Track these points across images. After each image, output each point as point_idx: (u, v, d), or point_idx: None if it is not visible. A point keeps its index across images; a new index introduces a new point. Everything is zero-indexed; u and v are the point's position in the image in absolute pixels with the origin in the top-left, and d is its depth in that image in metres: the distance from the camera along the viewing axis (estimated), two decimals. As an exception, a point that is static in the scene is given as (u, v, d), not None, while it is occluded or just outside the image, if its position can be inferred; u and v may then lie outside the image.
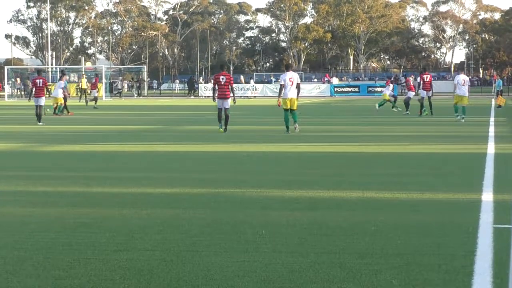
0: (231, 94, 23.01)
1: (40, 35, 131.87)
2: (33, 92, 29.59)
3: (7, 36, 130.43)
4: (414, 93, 35.12)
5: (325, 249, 6.98)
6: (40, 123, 28.16)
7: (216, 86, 22.97)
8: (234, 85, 25.92)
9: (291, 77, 22.30)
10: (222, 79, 22.81)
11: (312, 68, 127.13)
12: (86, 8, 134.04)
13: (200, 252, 6.88)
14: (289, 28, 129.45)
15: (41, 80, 29.37)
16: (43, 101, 29.09)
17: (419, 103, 32.68)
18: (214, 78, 24.27)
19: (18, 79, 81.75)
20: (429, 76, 33.19)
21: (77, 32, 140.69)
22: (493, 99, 53.28)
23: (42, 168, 14.31)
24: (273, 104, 25.92)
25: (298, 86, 22.47)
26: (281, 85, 22.40)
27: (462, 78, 29.00)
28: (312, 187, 10.91)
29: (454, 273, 6.09)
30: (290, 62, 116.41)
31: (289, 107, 22.24)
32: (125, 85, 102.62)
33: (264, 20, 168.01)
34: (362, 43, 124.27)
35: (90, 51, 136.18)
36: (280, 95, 22.35)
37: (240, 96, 66.28)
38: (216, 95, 22.93)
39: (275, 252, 6.85)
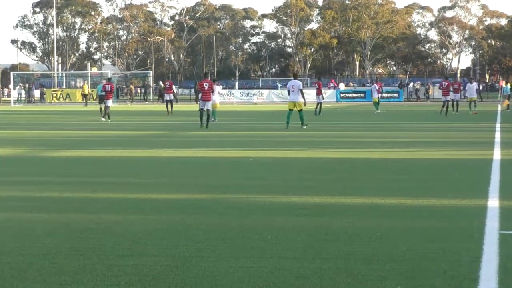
0: (212, 98, 29.52)
1: (46, 40, 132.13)
2: (104, 95, 36.73)
3: (13, 42, 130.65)
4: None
5: (330, 254, 6.97)
6: (104, 119, 35.03)
7: (201, 91, 28.98)
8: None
9: (293, 84, 28.14)
10: (206, 85, 28.71)
11: (318, 74, 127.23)
12: (92, 13, 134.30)
13: (205, 257, 6.88)
14: (295, 34, 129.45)
15: (109, 86, 36.94)
16: (110, 102, 36.69)
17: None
18: (198, 84, 30.29)
19: (24, 84, 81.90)
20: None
21: (83, 38, 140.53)
22: (499, 104, 53.27)
23: (48, 173, 14.33)
24: (278, 109, 26.14)
25: (301, 92, 27.86)
26: (288, 90, 28.58)
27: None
28: (317, 193, 10.90)
29: (459, 279, 6.08)
30: (295, 69, 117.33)
31: (293, 108, 27.82)
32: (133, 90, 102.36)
33: (270, 26, 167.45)
34: (368, 49, 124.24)
35: (96, 57, 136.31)
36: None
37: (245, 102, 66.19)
38: (200, 98, 28.90)
39: (280, 258, 6.84)
